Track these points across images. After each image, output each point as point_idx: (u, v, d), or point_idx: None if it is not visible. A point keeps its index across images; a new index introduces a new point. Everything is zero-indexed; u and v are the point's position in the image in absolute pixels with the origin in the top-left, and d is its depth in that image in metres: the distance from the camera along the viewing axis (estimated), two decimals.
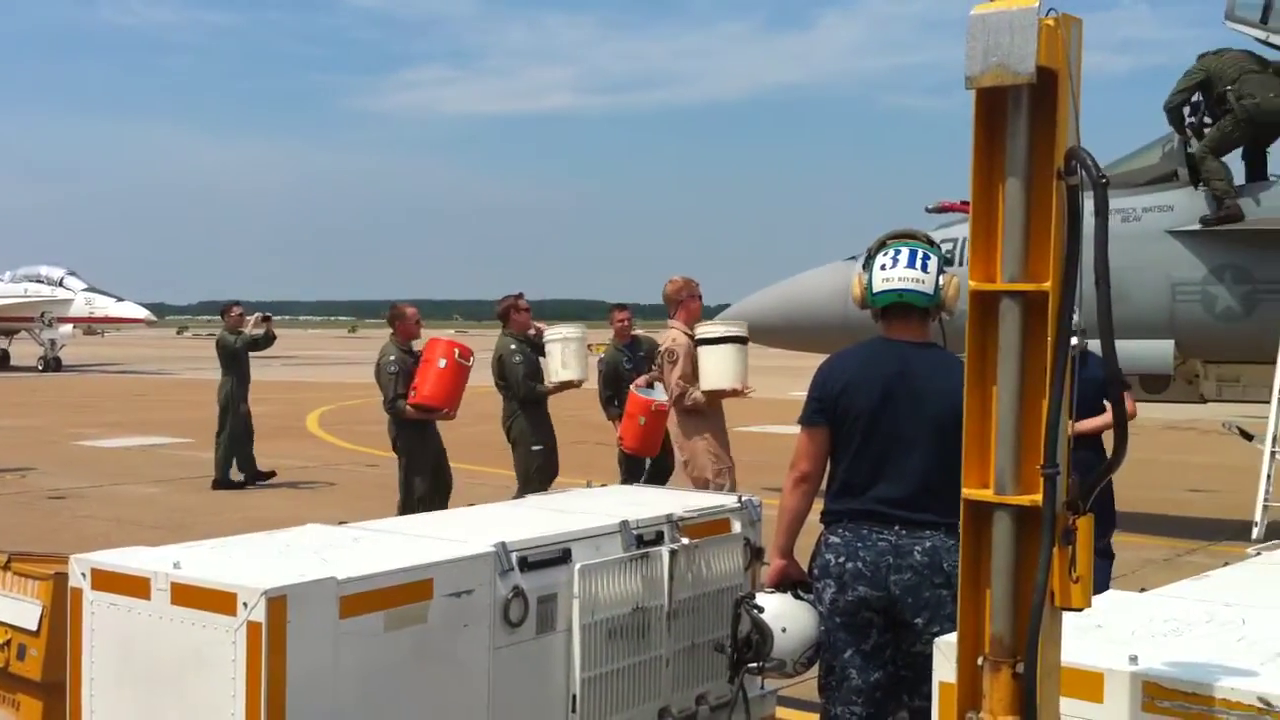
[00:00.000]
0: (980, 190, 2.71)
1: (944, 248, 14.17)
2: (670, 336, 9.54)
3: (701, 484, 8.88)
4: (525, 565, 4.62)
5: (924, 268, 4.57)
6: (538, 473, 10.92)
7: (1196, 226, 11.68)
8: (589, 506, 5.51)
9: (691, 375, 9.13)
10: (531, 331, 11.30)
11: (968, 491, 2.70)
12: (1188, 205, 11.84)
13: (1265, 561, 4.61)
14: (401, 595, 4.16)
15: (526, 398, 10.97)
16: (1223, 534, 11.47)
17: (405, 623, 4.18)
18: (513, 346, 11.08)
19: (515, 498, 11.12)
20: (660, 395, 11.18)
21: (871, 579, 4.44)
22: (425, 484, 10.66)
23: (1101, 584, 7.12)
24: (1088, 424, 7.58)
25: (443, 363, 10.36)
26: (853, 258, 14.14)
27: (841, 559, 4.51)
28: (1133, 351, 12.18)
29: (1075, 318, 7.71)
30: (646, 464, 11.44)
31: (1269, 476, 10.96)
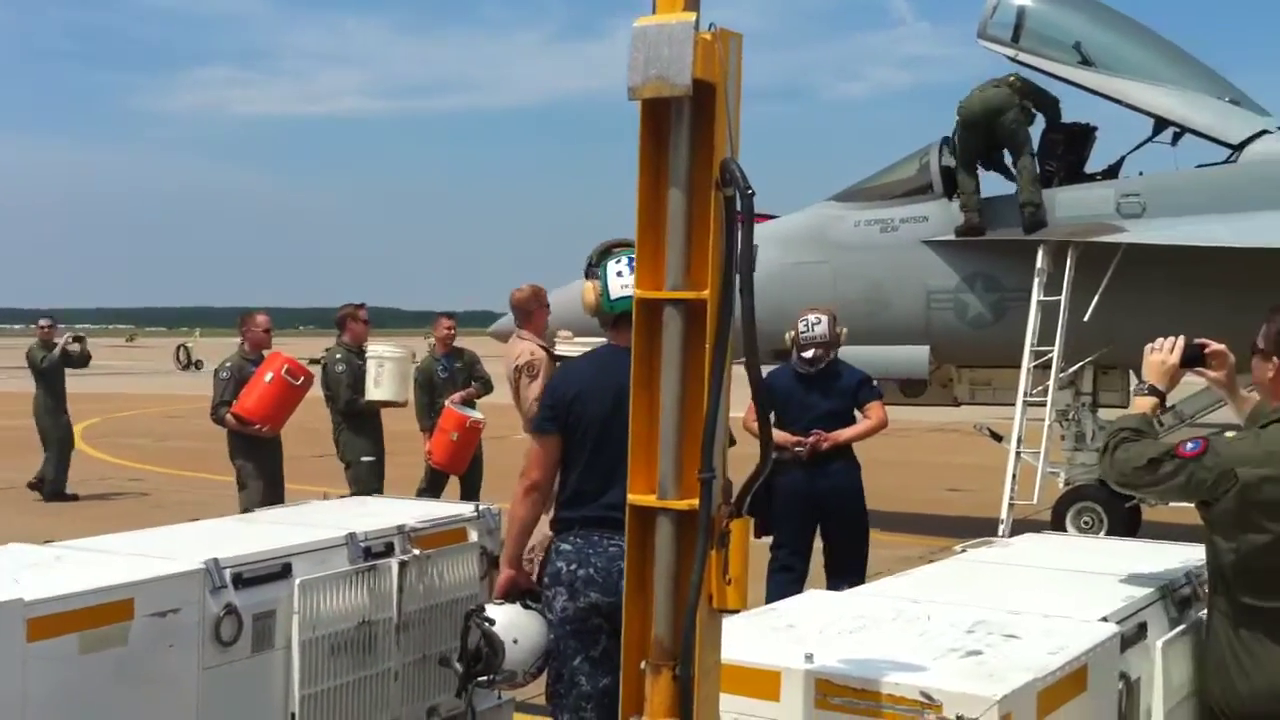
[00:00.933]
0: (647, 200, 2.74)
1: None
2: (527, 349, 9.12)
3: None
4: (240, 582, 4.50)
5: None
6: (368, 482, 10.66)
7: (950, 236, 12.13)
8: (318, 519, 5.41)
9: None
10: (365, 344, 11.08)
11: (633, 497, 2.73)
12: (942, 216, 12.29)
13: (967, 559, 4.80)
14: (98, 616, 4.00)
15: (346, 409, 10.78)
16: (973, 531, 11.94)
17: (103, 645, 4.01)
18: (339, 356, 10.89)
19: None
20: (477, 413, 11.04)
21: (603, 585, 4.46)
22: (264, 496, 10.10)
23: None
24: (845, 433, 7.78)
25: (269, 377, 10.00)
26: None
27: (573, 566, 4.52)
28: (891, 357, 12.60)
29: (841, 330, 7.78)
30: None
31: (1014, 476, 11.48)
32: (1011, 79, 11.78)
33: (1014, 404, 11.68)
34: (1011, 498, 11.39)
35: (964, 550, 4.89)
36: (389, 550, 5.08)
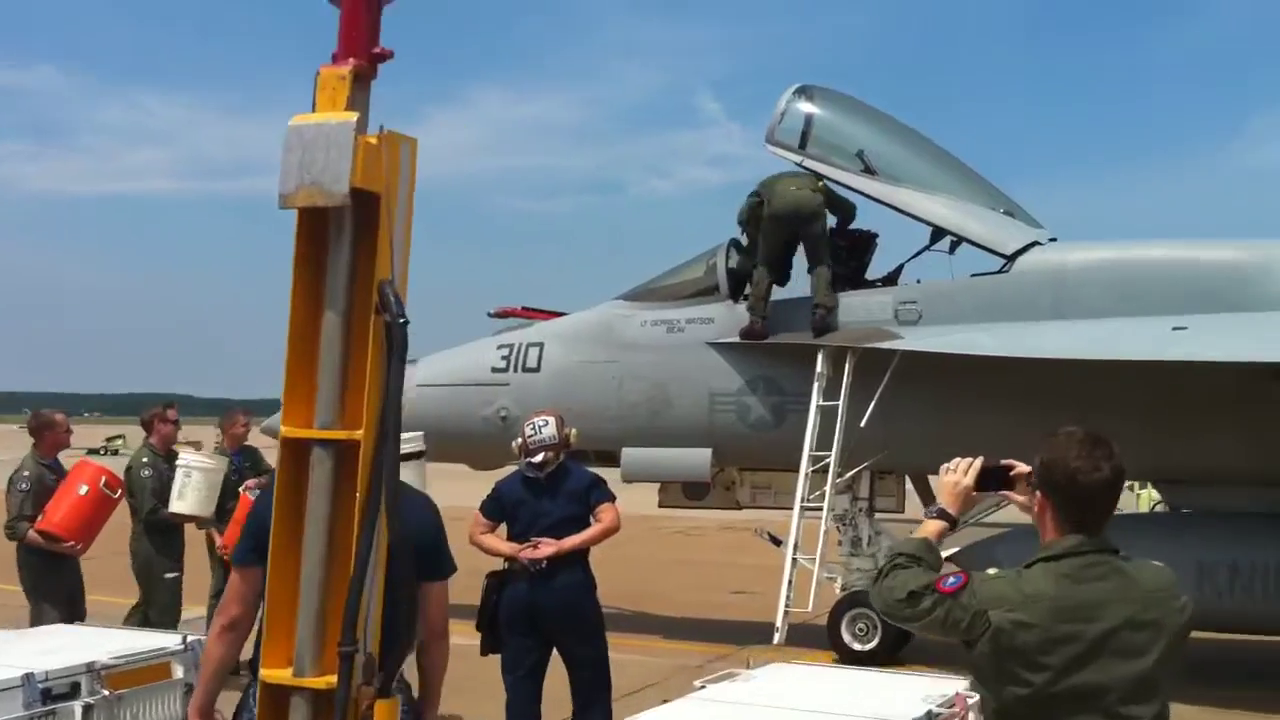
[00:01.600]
0: (299, 323, 2.38)
1: (500, 352, 13.92)
2: None
3: None
4: None
5: None
6: (175, 601, 9.91)
7: (734, 339, 12.05)
8: None
9: None
10: (175, 447, 10.34)
11: (265, 673, 2.33)
12: (727, 318, 12.21)
13: (704, 698, 4.51)
14: None
15: (147, 519, 9.94)
16: (754, 638, 11.75)
17: None
18: (145, 460, 10.07)
19: None
20: None
21: None
22: (64, 617, 8.92)
23: None
24: (571, 540, 7.33)
25: (84, 489, 9.00)
26: (410, 361, 13.80)
27: None
28: (674, 459, 12.44)
29: (569, 430, 7.44)
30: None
31: (790, 582, 11.33)
32: (821, 184, 11.77)
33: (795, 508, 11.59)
34: (787, 605, 11.26)
35: (703, 686, 4.59)
36: (74, 692, 4.52)
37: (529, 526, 7.34)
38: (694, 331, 12.30)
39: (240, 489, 10.09)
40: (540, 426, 7.51)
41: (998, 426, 11.22)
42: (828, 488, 11.34)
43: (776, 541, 12.14)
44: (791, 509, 11.72)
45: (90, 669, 4.63)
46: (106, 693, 4.60)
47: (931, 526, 3.76)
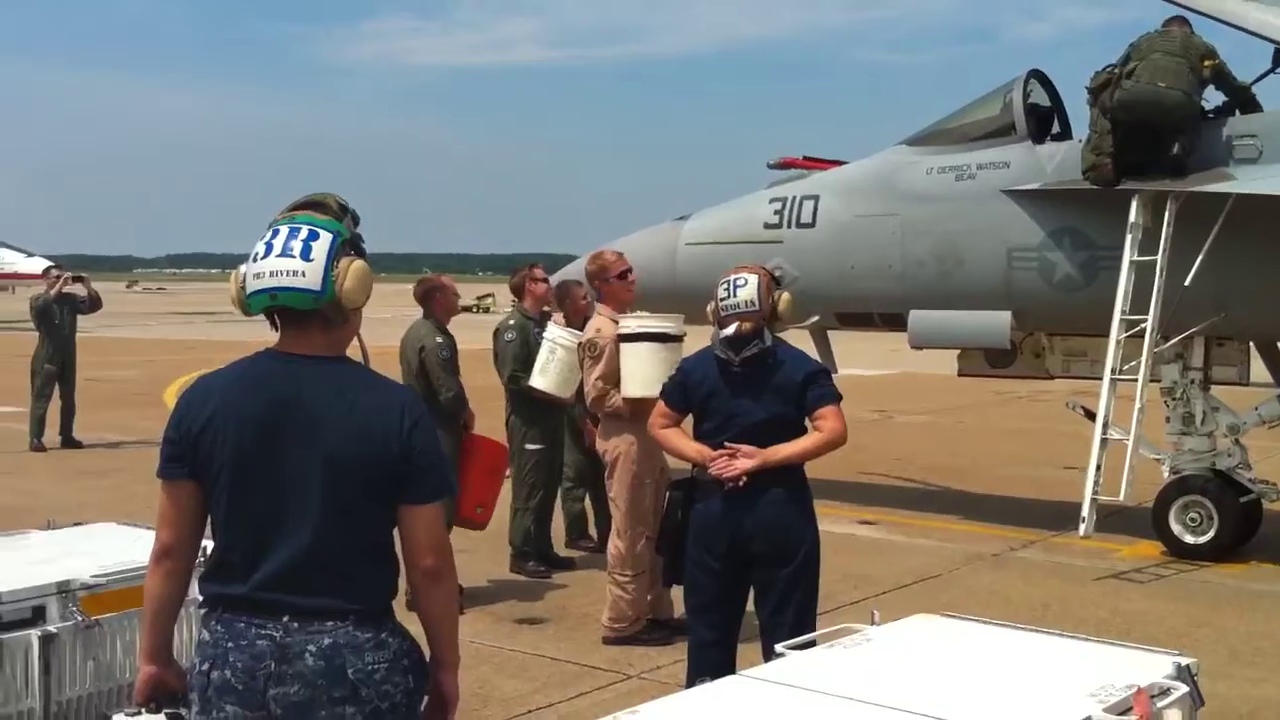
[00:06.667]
0: None
1: (772, 207, 12.49)
2: (593, 326, 8.00)
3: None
4: None
5: (306, 254, 3.17)
6: (531, 474, 9.49)
7: (1034, 186, 10.32)
8: None
9: (613, 375, 7.64)
10: (547, 309, 9.87)
11: None
12: (1026, 161, 10.50)
13: (763, 676, 3.27)
14: None
15: (509, 386, 9.52)
16: (1069, 522, 10.19)
17: None
18: (512, 323, 9.67)
19: (515, 507, 9.51)
20: None
21: (244, 694, 3.12)
22: None
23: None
24: (779, 451, 5.38)
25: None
26: (682, 217, 12.80)
27: (207, 666, 3.18)
28: (967, 323, 10.97)
29: (778, 295, 5.71)
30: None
31: (1098, 466, 9.75)
32: (1207, 66, 9.53)
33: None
34: (1095, 490, 9.67)
35: (783, 654, 3.36)
36: (36, 618, 3.79)
37: (722, 426, 5.51)
38: (987, 178, 10.65)
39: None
40: (736, 286, 5.51)
41: None
42: (1143, 357, 9.60)
43: (1091, 416, 10.46)
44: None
45: (64, 590, 3.89)
46: (80, 618, 3.85)
47: None
